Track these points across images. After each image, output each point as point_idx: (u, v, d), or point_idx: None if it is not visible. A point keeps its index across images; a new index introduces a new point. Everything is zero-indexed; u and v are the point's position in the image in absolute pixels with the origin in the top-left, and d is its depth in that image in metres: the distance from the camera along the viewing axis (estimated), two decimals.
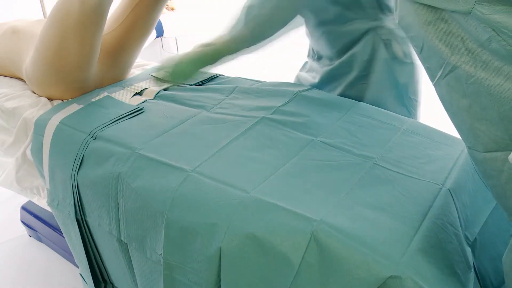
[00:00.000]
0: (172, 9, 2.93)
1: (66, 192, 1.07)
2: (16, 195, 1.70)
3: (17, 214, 1.69)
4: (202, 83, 1.31)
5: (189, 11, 3.08)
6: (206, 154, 0.93)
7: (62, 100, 1.25)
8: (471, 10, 0.53)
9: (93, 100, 1.19)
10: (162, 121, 1.08)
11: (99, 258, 1.15)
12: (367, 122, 1.06)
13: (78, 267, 1.23)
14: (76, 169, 1.02)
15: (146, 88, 1.27)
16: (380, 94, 1.19)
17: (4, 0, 2.53)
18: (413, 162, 0.92)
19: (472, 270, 0.79)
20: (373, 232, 0.72)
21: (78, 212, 1.06)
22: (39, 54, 1.17)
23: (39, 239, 1.68)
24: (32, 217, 1.60)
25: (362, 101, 1.17)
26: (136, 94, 1.26)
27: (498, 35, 0.52)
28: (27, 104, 1.22)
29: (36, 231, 1.64)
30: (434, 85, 0.66)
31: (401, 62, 1.18)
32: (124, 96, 1.24)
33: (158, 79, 1.09)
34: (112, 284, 1.21)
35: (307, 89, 1.20)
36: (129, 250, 1.00)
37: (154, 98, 1.23)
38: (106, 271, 1.18)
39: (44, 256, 1.62)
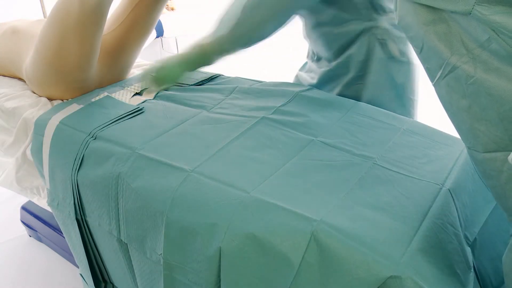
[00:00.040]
0: (172, 9, 2.93)
1: (66, 192, 1.07)
2: (16, 195, 1.70)
3: (17, 214, 1.69)
4: (202, 83, 1.31)
5: (189, 11, 3.08)
6: (206, 154, 0.93)
7: (62, 100, 1.25)
8: (471, 11, 0.53)
9: (93, 100, 1.19)
10: (162, 121, 1.08)
11: (99, 258, 1.15)
12: (367, 122, 1.06)
13: (78, 267, 1.23)
14: (76, 169, 1.02)
15: (146, 88, 1.27)
16: (377, 94, 1.20)
17: (4, 0, 2.53)
18: (413, 162, 0.92)
19: (472, 270, 0.79)
20: (373, 232, 0.72)
21: (78, 212, 1.06)
22: (39, 54, 1.17)
23: (39, 239, 1.68)
24: (32, 217, 1.60)
25: (360, 101, 1.17)
26: (136, 94, 1.26)
27: (498, 35, 0.52)
28: (27, 104, 1.22)
29: (36, 231, 1.64)
30: (434, 85, 0.67)
31: (397, 61, 1.18)
32: (124, 96, 1.24)
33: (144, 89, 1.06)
34: (112, 284, 1.21)
35: (307, 89, 1.20)
36: (129, 250, 1.00)
37: (154, 98, 1.23)
38: (106, 271, 1.18)
39: (44, 256, 1.62)
